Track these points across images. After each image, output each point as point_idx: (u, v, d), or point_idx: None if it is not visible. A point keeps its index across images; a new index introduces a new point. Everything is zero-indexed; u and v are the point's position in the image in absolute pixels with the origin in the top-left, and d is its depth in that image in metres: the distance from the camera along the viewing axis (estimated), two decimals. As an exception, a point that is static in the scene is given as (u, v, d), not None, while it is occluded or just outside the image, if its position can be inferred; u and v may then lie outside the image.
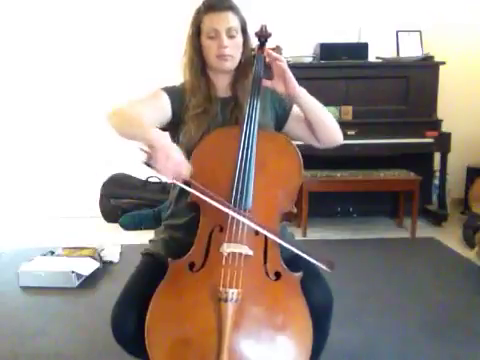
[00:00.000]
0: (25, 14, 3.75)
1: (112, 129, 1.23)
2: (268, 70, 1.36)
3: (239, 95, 1.40)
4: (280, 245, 1.19)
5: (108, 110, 1.26)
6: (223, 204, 1.15)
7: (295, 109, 1.44)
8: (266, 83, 1.35)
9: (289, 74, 1.31)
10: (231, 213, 1.15)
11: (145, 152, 1.10)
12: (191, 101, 1.38)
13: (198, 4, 1.39)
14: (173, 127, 1.40)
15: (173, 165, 1.10)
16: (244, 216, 1.16)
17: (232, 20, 1.34)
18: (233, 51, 1.36)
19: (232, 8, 1.35)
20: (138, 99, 1.35)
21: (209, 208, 1.16)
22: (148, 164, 1.10)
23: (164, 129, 1.43)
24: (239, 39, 1.37)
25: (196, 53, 1.38)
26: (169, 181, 1.13)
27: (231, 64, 1.38)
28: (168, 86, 1.44)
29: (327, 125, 1.40)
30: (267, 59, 1.34)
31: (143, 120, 1.20)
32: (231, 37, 1.34)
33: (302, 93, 1.34)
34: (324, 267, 1.16)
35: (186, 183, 1.16)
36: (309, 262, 1.18)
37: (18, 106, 3.88)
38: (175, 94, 1.40)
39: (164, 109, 1.38)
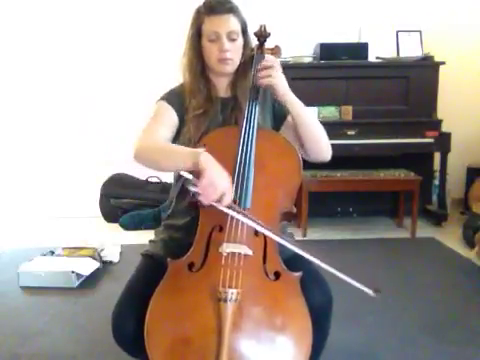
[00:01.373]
0: (26, 15, 3.75)
1: (147, 166, 1.24)
2: None
3: (239, 95, 1.40)
4: (279, 245, 1.19)
5: (135, 150, 1.24)
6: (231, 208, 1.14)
7: (290, 117, 1.41)
8: (262, 82, 1.32)
9: (277, 86, 1.29)
10: (239, 217, 1.15)
11: (190, 176, 1.10)
12: (191, 102, 1.38)
13: (197, 4, 1.38)
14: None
15: (216, 192, 1.08)
16: (250, 218, 1.15)
17: (233, 23, 1.33)
18: (234, 54, 1.35)
19: (233, 10, 1.34)
20: (150, 125, 1.33)
21: (209, 208, 1.16)
22: (193, 190, 1.09)
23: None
24: (240, 42, 1.36)
25: (196, 55, 1.38)
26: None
27: (232, 67, 1.38)
28: (165, 93, 1.43)
29: (316, 138, 1.36)
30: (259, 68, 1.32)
31: (177, 147, 1.22)
32: (232, 40, 1.33)
33: (292, 103, 1.32)
34: (370, 292, 1.16)
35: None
36: (309, 262, 1.17)
37: (18, 106, 3.88)
38: (175, 99, 1.39)
39: (174, 121, 1.37)
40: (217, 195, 1.09)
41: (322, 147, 1.38)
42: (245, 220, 1.15)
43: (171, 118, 1.37)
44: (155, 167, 1.23)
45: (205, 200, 1.09)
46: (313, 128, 1.36)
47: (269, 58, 1.35)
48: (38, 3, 3.73)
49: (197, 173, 1.10)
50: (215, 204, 1.11)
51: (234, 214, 1.15)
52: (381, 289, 1.13)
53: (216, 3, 1.33)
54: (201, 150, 1.14)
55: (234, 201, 1.18)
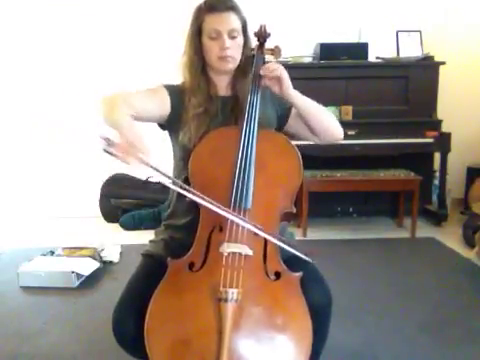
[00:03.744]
0: (25, 14, 3.75)
1: (99, 114, 1.24)
2: None
3: (239, 94, 1.40)
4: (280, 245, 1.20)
5: (103, 95, 1.26)
6: (218, 207, 1.14)
7: (294, 109, 1.44)
8: (264, 82, 1.34)
9: (284, 80, 1.31)
10: (227, 215, 1.14)
11: (104, 139, 1.09)
12: (191, 101, 1.37)
13: (197, 3, 1.38)
14: (172, 126, 1.40)
15: (135, 150, 1.09)
16: (241, 218, 1.16)
17: (234, 21, 1.33)
18: (234, 52, 1.35)
19: (234, 8, 1.34)
20: (136, 90, 1.35)
21: (209, 208, 1.16)
22: (108, 151, 1.09)
23: (162, 127, 1.44)
24: (240, 40, 1.36)
25: (196, 53, 1.37)
26: (129, 165, 1.11)
27: (232, 65, 1.38)
28: (170, 84, 1.43)
29: (325, 124, 1.41)
30: (261, 72, 1.33)
31: (124, 107, 1.21)
32: (233, 38, 1.33)
33: (296, 98, 1.35)
34: (305, 257, 1.18)
35: (184, 188, 1.15)
36: (309, 262, 1.18)
37: (18, 106, 3.88)
38: (175, 92, 1.40)
39: (163, 103, 1.37)
40: (132, 148, 1.10)
41: (333, 127, 1.43)
42: (243, 224, 1.15)
43: (161, 99, 1.37)
44: (102, 116, 1.23)
45: (124, 158, 1.10)
46: (319, 115, 1.39)
47: (271, 64, 1.35)
48: (38, 4, 3.73)
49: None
50: (171, 186, 1.14)
51: (233, 217, 1.15)
52: (314, 253, 1.19)
53: (217, 1, 1.33)
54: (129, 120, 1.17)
55: (234, 204, 1.18)
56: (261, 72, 1.33)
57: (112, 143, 1.08)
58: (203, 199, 1.14)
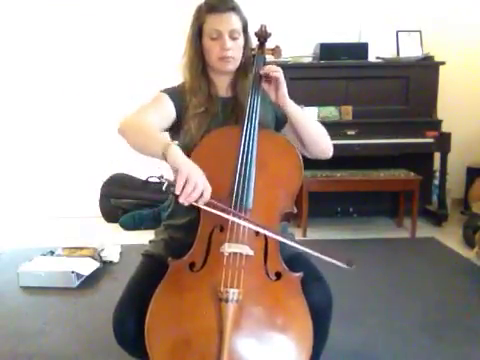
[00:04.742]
0: (26, 16, 3.75)
1: (128, 143, 1.23)
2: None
3: (239, 95, 1.40)
4: (280, 245, 1.19)
5: (120, 123, 1.25)
6: (230, 213, 1.14)
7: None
8: (262, 85, 1.34)
9: (282, 85, 1.30)
10: (240, 221, 1.14)
11: (170, 181, 1.08)
12: (192, 101, 1.37)
13: (198, 3, 1.38)
14: (174, 127, 1.40)
15: (196, 191, 1.06)
16: (248, 221, 1.16)
17: (235, 22, 1.33)
18: (235, 53, 1.35)
19: (235, 9, 1.34)
20: (144, 107, 1.33)
21: (207, 213, 1.15)
22: (169, 191, 1.08)
23: (165, 130, 1.44)
24: (241, 40, 1.36)
25: (197, 53, 1.37)
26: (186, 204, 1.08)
27: (233, 66, 1.38)
28: (168, 88, 1.43)
29: (315, 138, 1.37)
30: (261, 72, 1.32)
31: (155, 133, 1.20)
32: (233, 39, 1.33)
33: (291, 107, 1.33)
34: (343, 265, 1.14)
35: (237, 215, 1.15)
36: (309, 262, 1.18)
37: (18, 106, 3.88)
38: (176, 96, 1.39)
39: (170, 114, 1.37)
40: (197, 193, 1.07)
41: (321, 146, 1.40)
42: (245, 223, 1.15)
43: (168, 110, 1.36)
44: (132, 146, 1.21)
45: (185, 200, 1.06)
46: (311, 128, 1.37)
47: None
48: (39, 5, 3.73)
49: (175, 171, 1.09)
50: (196, 203, 1.09)
51: (235, 219, 1.15)
52: (354, 261, 1.14)
53: (218, 1, 1.33)
54: (172, 142, 1.13)
55: (235, 204, 1.18)
56: (261, 71, 1.33)
57: (172, 184, 1.08)
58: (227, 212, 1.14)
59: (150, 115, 1.29)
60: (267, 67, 1.32)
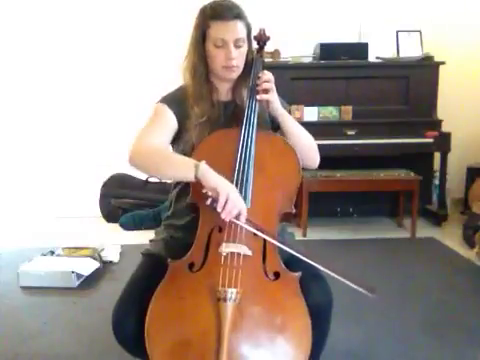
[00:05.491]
0: (27, 16, 3.75)
1: (142, 171, 1.27)
2: None
3: (240, 99, 1.40)
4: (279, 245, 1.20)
5: (131, 152, 1.24)
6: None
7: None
8: (262, 98, 1.33)
9: (273, 98, 1.32)
10: (241, 224, 1.16)
11: (208, 196, 1.14)
12: (194, 110, 1.35)
13: (199, 5, 1.35)
14: (175, 135, 1.38)
15: (234, 208, 1.13)
16: (248, 224, 1.16)
17: (240, 30, 1.31)
18: (239, 61, 1.34)
19: (240, 16, 1.31)
20: (149, 128, 1.33)
21: (208, 209, 1.16)
22: (212, 207, 1.13)
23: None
24: (245, 48, 1.35)
25: (199, 58, 1.35)
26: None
27: (236, 74, 1.37)
28: (166, 96, 1.41)
29: (305, 151, 1.37)
30: (258, 88, 1.33)
31: (176, 156, 1.23)
32: (238, 47, 1.31)
33: (282, 116, 1.35)
34: (364, 291, 1.14)
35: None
36: (308, 262, 1.18)
37: (19, 107, 3.88)
38: (176, 104, 1.37)
39: (173, 126, 1.36)
40: (237, 210, 1.13)
41: (308, 158, 1.40)
42: (246, 226, 1.16)
43: (170, 122, 1.35)
44: (152, 173, 1.25)
45: (226, 217, 1.12)
46: (302, 138, 1.38)
47: (266, 72, 1.36)
48: (40, 5, 3.73)
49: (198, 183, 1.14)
50: (236, 221, 1.15)
51: (237, 222, 1.15)
52: (376, 288, 1.14)
53: (224, 9, 1.29)
54: (199, 162, 1.16)
55: None
56: (258, 87, 1.33)
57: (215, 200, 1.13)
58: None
59: (158, 136, 1.30)
60: (261, 77, 1.33)
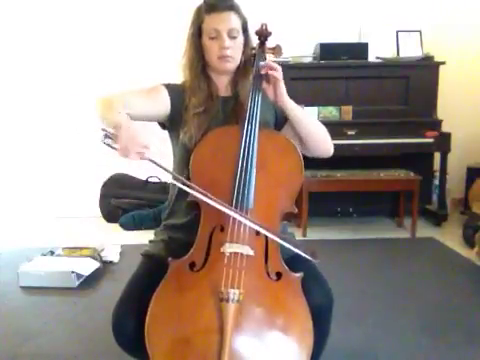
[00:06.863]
0: (25, 15, 3.75)
1: (95, 114, 1.24)
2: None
3: (240, 94, 1.40)
4: (281, 245, 1.19)
5: (98, 96, 1.26)
6: (221, 204, 1.14)
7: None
8: (261, 84, 1.33)
9: (281, 83, 1.30)
10: (230, 212, 1.14)
11: (108, 133, 1.09)
12: (191, 101, 1.37)
13: (197, 3, 1.38)
14: (172, 125, 1.40)
15: (135, 145, 1.07)
16: (244, 216, 1.15)
17: (234, 21, 1.33)
18: (234, 52, 1.35)
19: (234, 8, 1.34)
20: (134, 90, 1.35)
21: (210, 208, 1.15)
22: (109, 144, 1.08)
23: (163, 126, 1.44)
24: (240, 39, 1.36)
25: (197, 53, 1.37)
26: (134, 160, 1.08)
27: (232, 65, 1.37)
28: (170, 83, 1.43)
29: (315, 137, 1.37)
30: (262, 71, 1.31)
31: (120, 107, 1.20)
32: (233, 38, 1.33)
33: (290, 105, 1.32)
34: (308, 257, 1.16)
35: (186, 184, 1.15)
36: (310, 262, 1.18)
37: (18, 107, 3.88)
38: (175, 91, 1.39)
39: (162, 103, 1.36)
40: (139, 146, 1.07)
41: (322, 146, 1.40)
42: (246, 222, 1.15)
43: (160, 99, 1.36)
44: (97, 115, 1.24)
45: (125, 153, 1.06)
46: (311, 127, 1.37)
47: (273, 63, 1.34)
48: (38, 4, 3.73)
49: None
50: (176, 183, 1.12)
51: (234, 214, 1.15)
52: (317, 254, 1.17)
53: (217, 0, 1.33)
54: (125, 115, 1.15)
55: (236, 204, 1.18)
56: (262, 70, 1.31)
57: (111, 135, 1.08)
58: (205, 195, 1.13)
59: (132, 95, 1.30)
60: (267, 62, 1.31)
